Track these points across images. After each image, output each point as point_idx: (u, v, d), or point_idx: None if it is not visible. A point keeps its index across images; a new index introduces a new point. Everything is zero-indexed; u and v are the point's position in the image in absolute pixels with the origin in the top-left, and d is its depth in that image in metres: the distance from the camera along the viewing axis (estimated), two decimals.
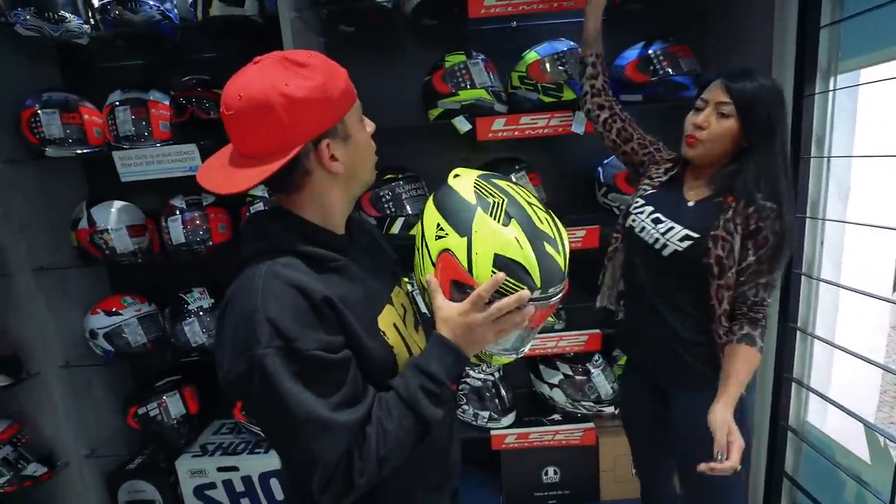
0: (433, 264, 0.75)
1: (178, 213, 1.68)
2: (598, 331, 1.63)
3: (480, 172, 0.80)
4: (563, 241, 0.76)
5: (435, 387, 0.69)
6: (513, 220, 0.71)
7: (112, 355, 1.77)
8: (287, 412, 0.61)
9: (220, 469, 1.84)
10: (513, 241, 0.69)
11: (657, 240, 1.13)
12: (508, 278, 0.69)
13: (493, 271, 0.69)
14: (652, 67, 1.57)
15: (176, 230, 1.68)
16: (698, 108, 1.09)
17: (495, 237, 0.70)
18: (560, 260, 0.73)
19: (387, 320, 0.76)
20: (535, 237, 0.71)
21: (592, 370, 1.76)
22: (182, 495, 1.87)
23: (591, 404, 1.75)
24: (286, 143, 0.65)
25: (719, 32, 1.73)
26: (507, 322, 0.71)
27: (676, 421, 1.21)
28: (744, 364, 1.05)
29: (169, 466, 1.86)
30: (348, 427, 0.64)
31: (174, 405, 1.84)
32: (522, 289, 0.69)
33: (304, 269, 0.68)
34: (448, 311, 0.72)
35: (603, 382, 1.76)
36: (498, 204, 0.73)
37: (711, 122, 1.06)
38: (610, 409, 1.76)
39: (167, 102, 1.63)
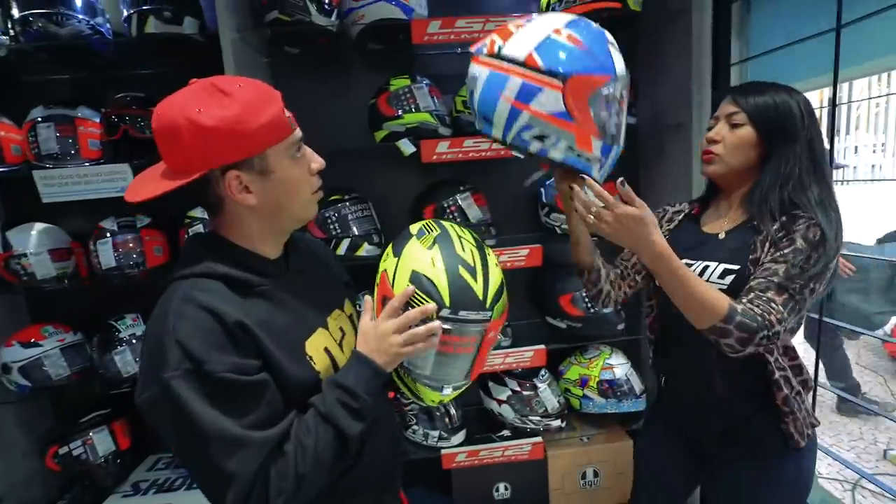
0: (376, 284, 0.82)
1: (108, 235, 1.59)
2: (542, 346, 1.67)
3: (447, 222, 0.88)
4: (485, 273, 0.80)
5: (352, 400, 0.71)
6: (436, 245, 0.79)
7: (29, 390, 1.62)
8: (198, 432, 0.62)
9: None
10: (428, 261, 0.77)
11: None
12: (418, 291, 0.76)
13: (407, 285, 0.76)
14: None
15: (106, 254, 1.58)
16: (710, 126, 1.01)
17: (416, 257, 0.78)
18: (476, 287, 0.78)
19: (316, 344, 0.77)
20: (452, 260, 0.78)
21: (539, 385, 1.80)
22: None
23: (539, 418, 1.79)
24: (188, 166, 0.67)
25: (649, 68, 1.87)
26: (416, 336, 0.74)
27: (720, 490, 1.09)
28: (705, 285, 0.86)
29: None
30: (262, 443, 0.65)
31: (102, 442, 1.71)
32: (429, 302, 0.75)
33: (222, 293, 0.69)
34: (365, 325, 0.77)
35: (549, 397, 1.80)
36: (430, 233, 0.80)
37: (725, 135, 0.98)
38: (557, 423, 1.80)
39: (97, 120, 1.55)
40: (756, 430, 0.99)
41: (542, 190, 1.83)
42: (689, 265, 0.99)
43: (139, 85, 1.66)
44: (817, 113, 0.98)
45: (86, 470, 1.69)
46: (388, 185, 1.87)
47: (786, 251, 0.88)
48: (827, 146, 1.00)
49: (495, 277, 0.81)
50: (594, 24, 0.86)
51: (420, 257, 0.78)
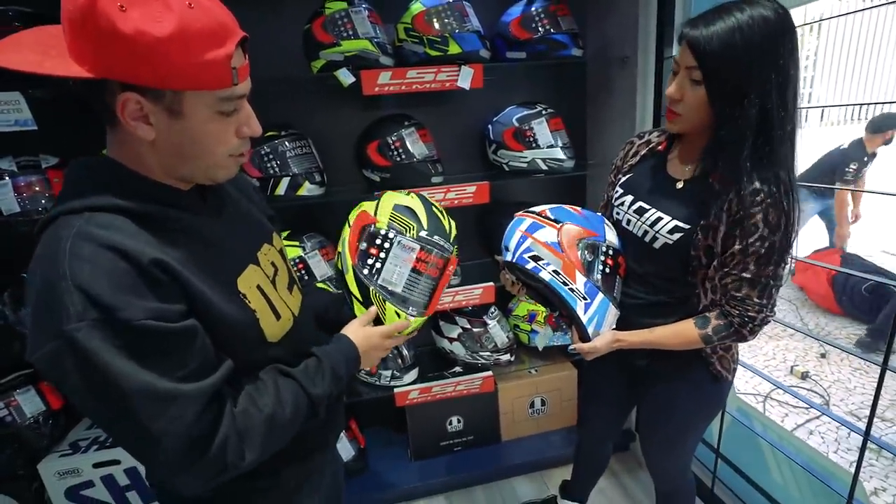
0: (349, 226, 0.94)
1: (6, 177, 1.40)
2: (491, 283, 1.70)
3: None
4: (448, 220, 0.97)
5: (336, 386, 0.76)
6: (412, 194, 0.97)
7: None
8: (116, 392, 0.53)
9: (96, 465, 1.65)
10: (408, 198, 0.95)
11: (646, 232, 1.02)
12: (399, 214, 0.91)
13: (391, 213, 0.91)
14: (534, 25, 1.60)
15: (6, 198, 1.40)
16: (674, 71, 0.93)
17: (397, 196, 0.95)
18: (445, 224, 0.95)
19: (248, 281, 0.70)
20: (427, 202, 0.96)
21: (489, 322, 1.84)
22: (51, 501, 1.66)
23: (489, 354, 1.85)
24: (82, 60, 0.54)
25: None
26: (396, 341, 0.92)
27: (649, 399, 1.20)
28: (674, 331, 0.99)
29: (30, 472, 1.63)
30: (197, 395, 0.57)
31: (28, 402, 1.60)
32: (412, 229, 0.90)
33: (129, 230, 0.58)
34: (370, 330, 0.87)
35: (499, 332, 1.86)
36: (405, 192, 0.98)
37: (686, 92, 0.90)
38: (507, 357, 1.87)
39: None
40: (686, 356, 1.05)
41: (490, 127, 1.79)
42: (644, 210, 1.03)
43: None
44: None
45: (13, 432, 1.59)
46: (328, 121, 1.76)
47: (750, 240, 0.88)
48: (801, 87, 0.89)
49: (454, 227, 0.97)
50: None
51: (400, 196, 0.95)
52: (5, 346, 1.55)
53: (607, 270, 1.04)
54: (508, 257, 1.10)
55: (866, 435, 1.17)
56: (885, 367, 1.11)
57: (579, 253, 1.03)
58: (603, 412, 1.38)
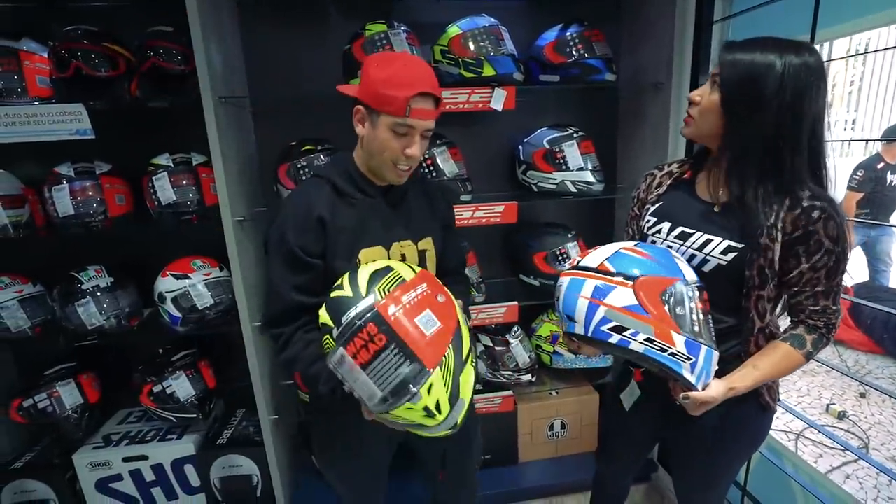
0: None
1: (64, 182, 1.50)
2: (515, 303, 1.70)
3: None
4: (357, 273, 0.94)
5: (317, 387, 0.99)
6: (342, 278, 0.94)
7: None
8: (269, 270, 1.01)
9: (126, 459, 1.72)
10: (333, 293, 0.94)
11: (693, 256, 0.97)
12: (324, 337, 0.92)
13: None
14: (568, 49, 1.63)
15: (63, 201, 1.50)
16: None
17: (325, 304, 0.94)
18: (345, 293, 0.88)
19: (369, 255, 1.00)
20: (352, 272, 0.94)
21: (511, 341, 1.84)
22: (82, 492, 1.73)
23: (510, 373, 1.84)
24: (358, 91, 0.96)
25: (633, 23, 1.84)
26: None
27: (689, 434, 1.09)
28: (778, 360, 0.93)
29: (65, 462, 1.70)
30: (288, 301, 0.97)
31: (69, 394, 1.68)
32: (331, 337, 0.87)
33: (323, 193, 0.99)
34: None
35: (521, 352, 1.85)
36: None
37: (704, 96, 0.93)
38: (527, 377, 1.86)
39: (45, 55, 1.43)
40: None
41: (521, 147, 1.81)
42: (688, 234, 0.98)
43: (88, 18, 1.53)
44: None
45: (53, 423, 1.67)
46: None
47: (817, 257, 0.89)
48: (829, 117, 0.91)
49: (375, 267, 0.91)
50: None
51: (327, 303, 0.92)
52: (51, 339, 1.63)
53: (701, 316, 0.88)
54: (578, 330, 0.93)
55: None
56: None
57: (667, 309, 0.86)
58: (628, 447, 1.28)
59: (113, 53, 1.46)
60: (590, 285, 0.91)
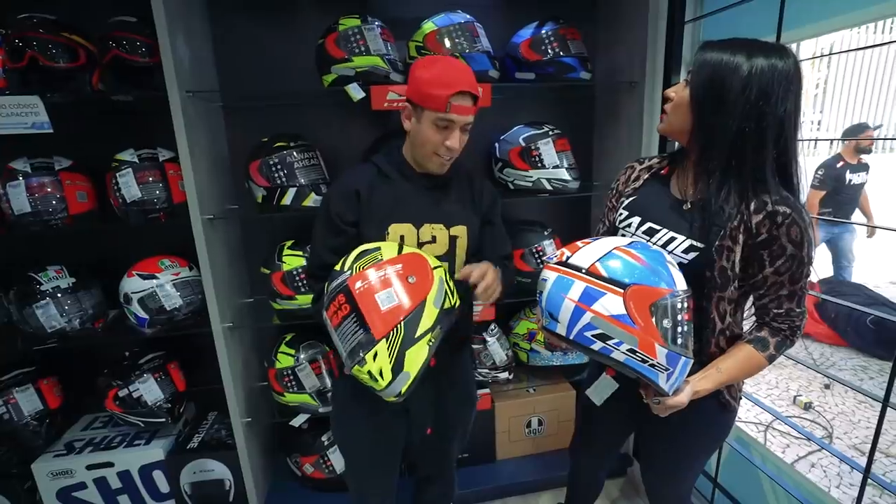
0: None
1: (20, 178, 1.43)
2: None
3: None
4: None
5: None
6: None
7: None
8: (313, 230, 1.14)
9: (90, 467, 1.66)
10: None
11: None
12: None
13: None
14: (544, 47, 1.63)
15: (19, 198, 1.43)
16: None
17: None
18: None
19: (397, 230, 1.09)
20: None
21: (488, 339, 1.84)
22: (42, 501, 1.65)
23: (487, 371, 1.84)
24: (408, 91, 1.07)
25: (608, 22, 1.85)
26: None
27: (654, 426, 1.10)
28: (741, 362, 0.96)
29: (23, 471, 1.63)
30: (325, 262, 1.08)
31: (27, 401, 1.61)
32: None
33: (368, 174, 1.12)
34: None
35: (498, 350, 1.85)
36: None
37: (678, 92, 0.95)
38: (505, 375, 1.86)
39: None
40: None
41: (497, 145, 1.81)
42: (655, 230, 1.00)
43: (49, 6, 1.46)
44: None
45: (10, 431, 1.59)
46: (337, 134, 1.79)
47: (780, 262, 0.90)
48: (803, 118, 0.91)
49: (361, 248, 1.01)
50: (652, 246, 0.95)
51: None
52: (8, 343, 1.56)
53: (685, 327, 0.88)
54: (560, 331, 0.91)
55: (866, 472, 1.15)
56: (885, 404, 1.10)
57: (654, 320, 0.84)
58: (602, 437, 1.33)
59: (72, 44, 1.39)
60: (578, 287, 0.88)
